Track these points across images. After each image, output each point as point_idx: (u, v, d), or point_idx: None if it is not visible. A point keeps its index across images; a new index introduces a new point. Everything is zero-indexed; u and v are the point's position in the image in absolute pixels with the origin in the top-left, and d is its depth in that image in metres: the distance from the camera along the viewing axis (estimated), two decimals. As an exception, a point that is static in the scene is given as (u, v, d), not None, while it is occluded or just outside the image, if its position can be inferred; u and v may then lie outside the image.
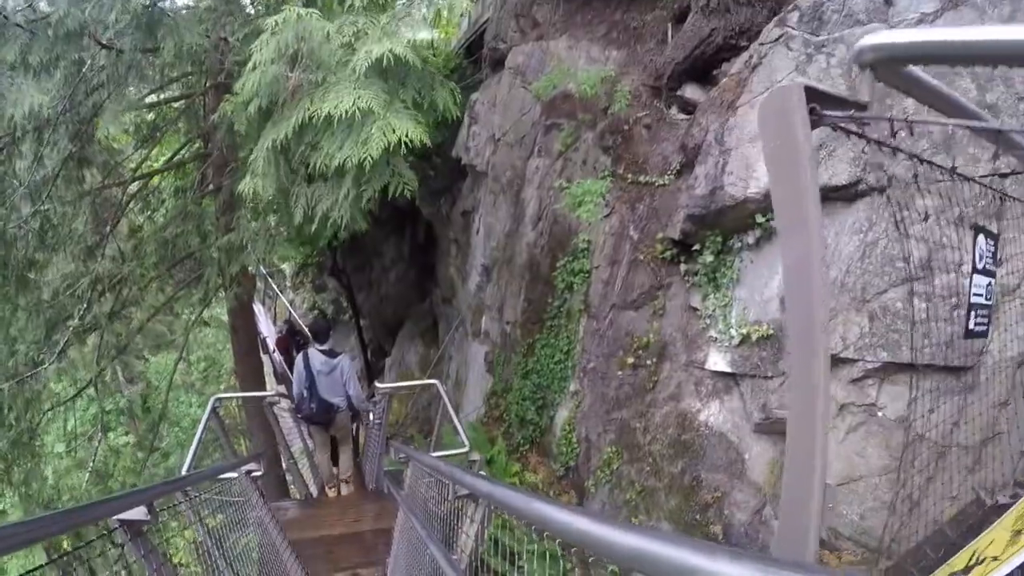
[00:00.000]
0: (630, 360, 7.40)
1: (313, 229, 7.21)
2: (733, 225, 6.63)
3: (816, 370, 1.82)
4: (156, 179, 10.95)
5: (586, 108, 9.34)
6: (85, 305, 9.11)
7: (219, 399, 7.02)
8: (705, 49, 8.65)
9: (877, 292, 5.78)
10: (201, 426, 6.54)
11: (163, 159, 11.52)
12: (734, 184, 6.41)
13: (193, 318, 11.39)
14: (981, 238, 3.28)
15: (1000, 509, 4.21)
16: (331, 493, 8.64)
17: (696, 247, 6.88)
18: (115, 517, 2.83)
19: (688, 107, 9.01)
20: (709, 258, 6.72)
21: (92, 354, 9.90)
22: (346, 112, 5.52)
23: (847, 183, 6.02)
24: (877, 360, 5.63)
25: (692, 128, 7.83)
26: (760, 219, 6.37)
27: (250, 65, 5.84)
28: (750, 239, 6.58)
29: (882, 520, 5.52)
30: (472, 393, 10.64)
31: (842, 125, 2.09)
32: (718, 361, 6.67)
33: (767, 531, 6.32)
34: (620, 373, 7.53)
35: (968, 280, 3.19)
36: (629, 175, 8.14)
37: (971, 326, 3.15)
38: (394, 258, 15.37)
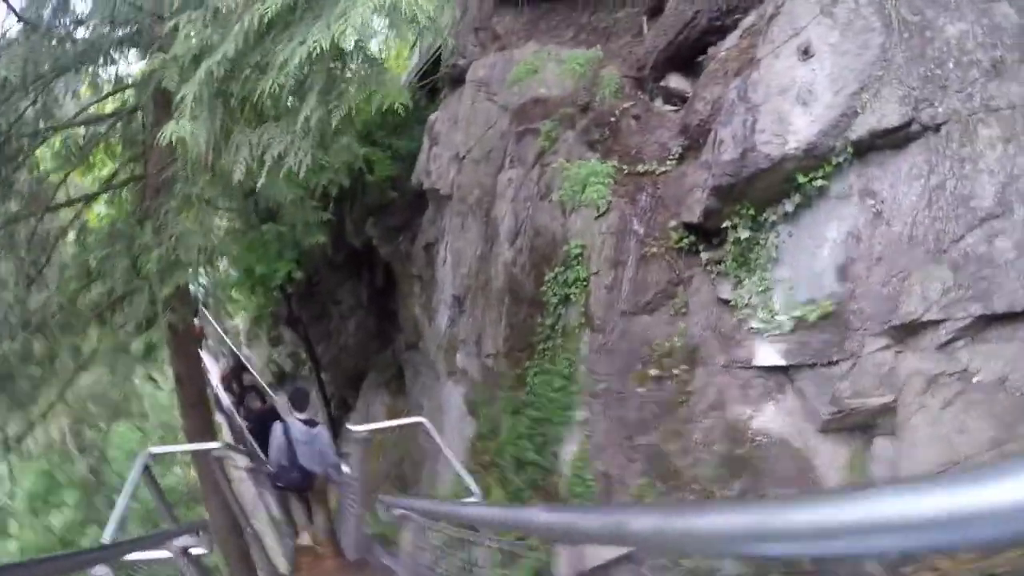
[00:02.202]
0: (652, 372, 6.20)
1: (258, 185, 5.78)
2: (766, 194, 5.64)
3: None
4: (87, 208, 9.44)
5: (563, 107, 8.40)
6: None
7: (152, 454, 5.40)
8: (689, 34, 7.91)
9: (954, 239, 4.83)
10: (128, 488, 4.92)
11: (94, 184, 10.02)
12: (768, 142, 5.44)
13: (128, 370, 9.70)
14: None
15: None
16: (304, 539, 8.11)
17: (725, 225, 5.81)
18: None
19: (673, 98, 8.21)
20: (744, 234, 5.67)
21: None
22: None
23: (898, 125, 5.15)
24: (968, 315, 4.65)
25: (695, 104, 6.94)
26: (801, 179, 5.41)
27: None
28: (788, 207, 5.59)
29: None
30: (451, 440, 9.20)
31: None
32: (768, 354, 5.54)
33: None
34: (641, 390, 6.30)
35: None
36: (624, 167, 7.13)
37: None
38: (352, 305, 14.04)
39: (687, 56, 8.09)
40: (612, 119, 7.68)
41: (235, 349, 15.11)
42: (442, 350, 10.32)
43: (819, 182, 5.41)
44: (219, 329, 16.16)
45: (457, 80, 10.97)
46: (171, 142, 7.94)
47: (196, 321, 17.48)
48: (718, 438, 5.64)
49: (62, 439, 15.07)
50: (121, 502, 4.66)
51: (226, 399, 12.99)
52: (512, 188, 8.71)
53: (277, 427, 7.56)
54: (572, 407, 7.16)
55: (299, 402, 7.74)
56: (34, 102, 7.63)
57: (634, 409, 6.34)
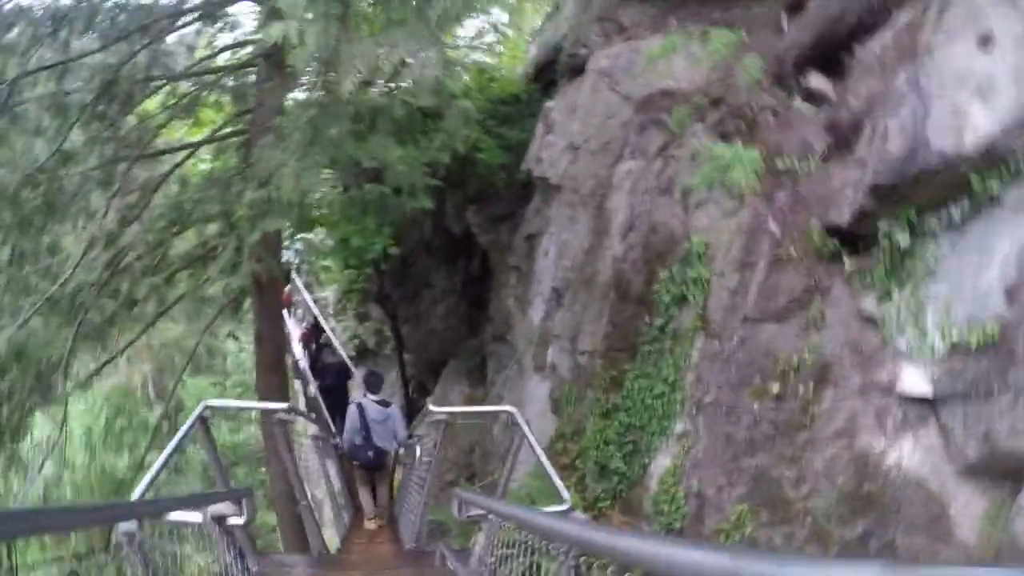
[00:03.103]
0: (773, 388, 5.57)
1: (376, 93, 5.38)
2: (931, 197, 4.96)
3: None
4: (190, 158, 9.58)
5: (692, 99, 7.88)
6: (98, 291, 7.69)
7: (210, 407, 5.12)
8: (835, 30, 7.24)
9: None
10: (177, 438, 4.64)
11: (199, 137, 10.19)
12: (942, 137, 4.76)
13: (210, 321, 9.72)
14: None
15: None
16: (370, 525, 8.34)
17: (879, 230, 5.15)
18: None
19: (813, 98, 7.55)
20: (902, 241, 4.99)
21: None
22: None
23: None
24: None
25: (846, 98, 6.30)
26: (975, 183, 4.69)
27: None
28: (954, 214, 4.89)
29: None
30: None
31: None
32: (915, 381, 4.84)
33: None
34: (756, 406, 5.69)
35: None
36: (762, 162, 6.53)
37: None
38: (445, 290, 13.84)
39: (830, 54, 7.40)
40: (748, 112, 7.11)
41: (317, 313, 15.49)
42: (532, 344, 9.91)
43: (994, 188, 4.70)
44: (307, 297, 16.49)
45: (577, 70, 10.56)
46: (280, 100, 7.98)
47: (287, 289, 18.00)
48: (843, 470, 4.98)
49: (144, 383, 15.53)
50: (166, 451, 4.40)
51: (304, 362, 13.32)
52: (630, 180, 8.23)
53: (352, 407, 7.94)
54: (672, 417, 6.61)
55: (374, 385, 8.12)
56: (146, 45, 7.70)
57: (745, 427, 5.74)
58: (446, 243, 13.27)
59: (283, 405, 6.12)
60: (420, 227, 11.87)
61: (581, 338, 8.54)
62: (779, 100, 7.45)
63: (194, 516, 3.90)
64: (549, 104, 10.55)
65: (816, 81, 7.66)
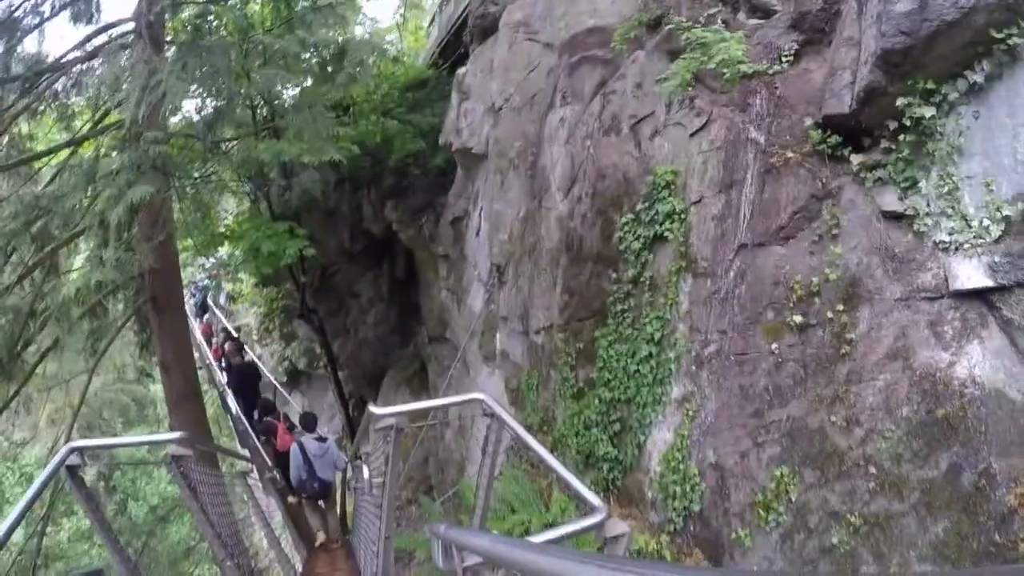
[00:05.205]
0: (793, 319, 4.60)
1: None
2: (944, 63, 4.16)
3: None
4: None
5: (623, 32, 6.99)
6: None
7: (76, 449, 3.64)
8: (776, -66, 6.52)
9: None
10: (31, 492, 3.23)
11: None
12: (955, -13, 3.94)
13: (103, 349, 8.09)
14: None
15: None
16: (321, 537, 8.48)
17: (899, 105, 4.27)
18: None
19: (758, 10, 6.80)
20: (927, 112, 4.14)
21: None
22: None
23: None
24: None
25: (812, -13, 5.46)
26: (997, 35, 3.91)
27: None
28: (977, 77, 4.08)
29: None
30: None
31: None
32: (972, 273, 3.97)
33: None
34: (774, 346, 4.71)
35: None
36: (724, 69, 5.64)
37: None
38: (371, 298, 12.55)
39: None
40: (698, 25, 6.23)
41: (225, 323, 14.98)
42: (476, 335, 8.75)
43: (1015, 40, 3.95)
44: (219, 314, 15.28)
45: (487, 31, 9.58)
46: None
47: (206, 318, 16.84)
48: (905, 398, 4.04)
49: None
50: (15, 512, 3.01)
51: (223, 379, 12.23)
52: (565, 129, 7.23)
53: (294, 447, 8.30)
54: (665, 381, 5.57)
55: (310, 424, 8.41)
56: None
57: (765, 374, 4.75)
58: (367, 247, 12.16)
59: (174, 435, 4.55)
60: (338, 233, 10.64)
61: (533, 315, 7.45)
62: (726, 11, 6.65)
63: None
64: (462, 70, 9.52)
65: (759, -7, 6.96)
